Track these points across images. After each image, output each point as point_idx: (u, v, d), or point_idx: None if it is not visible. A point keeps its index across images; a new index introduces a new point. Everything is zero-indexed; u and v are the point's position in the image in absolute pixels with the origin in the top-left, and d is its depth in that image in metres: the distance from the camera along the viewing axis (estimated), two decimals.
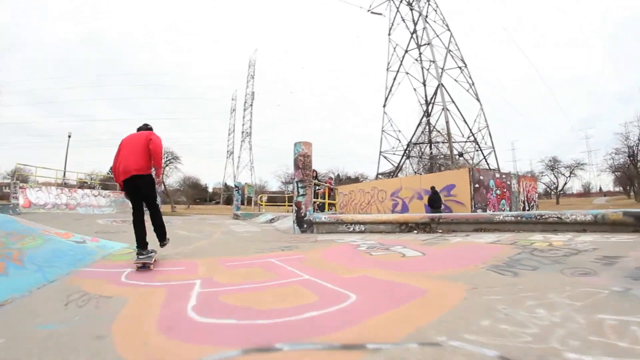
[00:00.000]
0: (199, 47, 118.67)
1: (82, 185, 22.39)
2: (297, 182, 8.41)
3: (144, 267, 3.83)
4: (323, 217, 8.45)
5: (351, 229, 8.00)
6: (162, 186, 37.16)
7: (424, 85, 32.49)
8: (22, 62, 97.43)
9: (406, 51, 30.03)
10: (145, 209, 4.18)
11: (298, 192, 8.30)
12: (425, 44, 28.68)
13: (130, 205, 4.30)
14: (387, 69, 31.76)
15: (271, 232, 9.20)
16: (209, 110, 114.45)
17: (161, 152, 4.16)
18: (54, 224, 10.78)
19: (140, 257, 3.88)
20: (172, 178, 44.32)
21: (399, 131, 31.03)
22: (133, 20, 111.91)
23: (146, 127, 4.50)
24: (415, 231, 6.98)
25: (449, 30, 31.13)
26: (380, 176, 29.41)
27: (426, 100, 32.47)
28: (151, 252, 3.99)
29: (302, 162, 8.42)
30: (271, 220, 14.55)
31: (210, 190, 69.41)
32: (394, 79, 31.06)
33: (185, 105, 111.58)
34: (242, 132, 68.36)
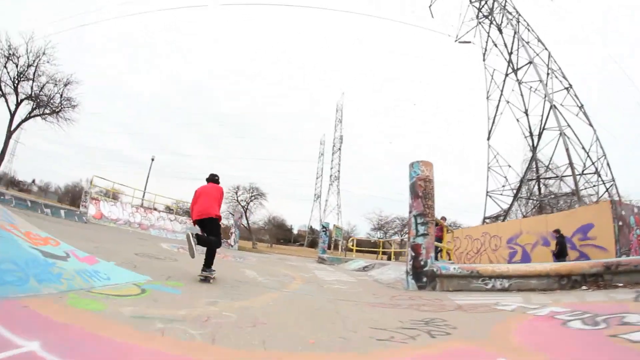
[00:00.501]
0: (284, 91, 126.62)
1: (169, 211, 22.89)
2: (415, 217, 6.45)
3: (205, 280, 5.04)
4: (452, 267, 6.16)
5: (489, 286, 5.97)
6: (245, 221, 39.26)
7: (526, 114, 28.49)
8: (121, 99, 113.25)
9: (506, 75, 26.79)
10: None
11: (417, 231, 6.29)
12: (527, 64, 25.25)
13: None
14: (487, 98, 28.65)
15: (372, 286, 7.31)
16: (296, 153, 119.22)
17: (219, 206, 5.64)
18: (107, 237, 10.73)
19: (203, 272, 5.09)
20: (255, 215, 44.53)
21: (509, 166, 26.89)
22: (223, 66, 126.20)
23: (213, 178, 5.84)
24: (584, 286, 5.40)
25: (546, 49, 27.45)
26: (487, 220, 25.27)
27: (530, 132, 28.24)
28: (213, 270, 5.17)
29: (423, 188, 6.47)
30: (365, 268, 12.76)
31: (295, 232, 70.06)
32: (497, 107, 27.69)
33: (273, 147, 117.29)
34: (330, 176, 69.22)
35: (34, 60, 23.20)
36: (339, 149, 68.66)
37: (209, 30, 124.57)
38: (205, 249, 5.25)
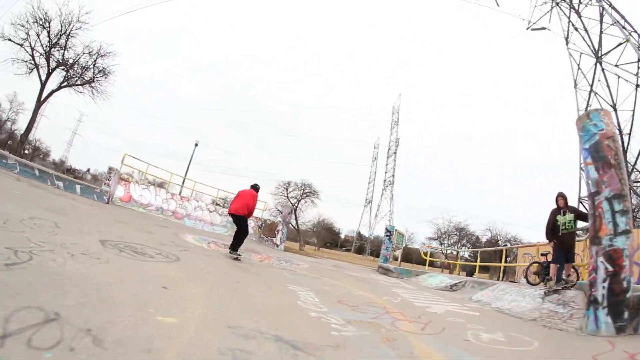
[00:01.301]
0: (339, 93, 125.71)
1: (216, 204, 21.30)
2: (608, 201, 4.26)
3: (236, 259, 7.34)
4: None
5: None
6: (294, 219, 37.37)
7: (614, 109, 24.76)
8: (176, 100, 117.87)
9: (599, 56, 23.27)
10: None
11: (615, 227, 4.14)
12: (621, 43, 21.74)
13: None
14: (575, 87, 25.19)
15: (521, 327, 5.05)
16: (347, 157, 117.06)
17: (253, 207, 7.80)
18: (132, 223, 9.37)
19: (232, 252, 7.50)
20: (306, 214, 41.56)
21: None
22: (277, 73, 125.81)
23: (255, 187, 8.21)
24: None
25: (635, 31, 23.69)
26: (579, 231, 21.85)
27: (620, 130, 24.46)
28: (239, 254, 7.52)
29: (614, 152, 4.38)
30: (452, 287, 10.65)
31: (342, 236, 67.99)
32: (589, 94, 24.22)
33: (323, 151, 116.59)
34: (384, 181, 66.70)
35: (67, 28, 22.10)
36: (395, 152, 65.81)
37: (270, 35, 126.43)
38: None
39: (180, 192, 20.76)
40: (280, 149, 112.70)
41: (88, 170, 63.94)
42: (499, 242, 39.95)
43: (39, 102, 23.02)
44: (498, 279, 16.31)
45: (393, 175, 64.75)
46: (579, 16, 25.75)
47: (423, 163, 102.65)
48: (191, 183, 21.11)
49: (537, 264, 8.89)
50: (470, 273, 17.10)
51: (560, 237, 6.84)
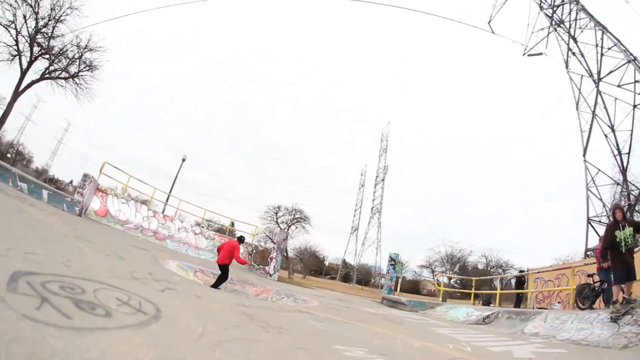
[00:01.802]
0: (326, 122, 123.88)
1: (200, 227, 18.85)
2: None
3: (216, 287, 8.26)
4: None
5: None
6: (284, 250, 33.21)
7: (612, 130, 24.54)
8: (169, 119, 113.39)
9: (599, 79, 23.12)
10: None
11: None
12: (623, 65, 21.60)
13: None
14: (577, 109, 24.88)
15: (596, 357, 4.87)
16: (334, 183, 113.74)
17: (237, 255, 8.81)
18: (100, 243, 7.37)
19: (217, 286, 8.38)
20: (296, 240, 39.11)
21: (620, 185, 22.65)
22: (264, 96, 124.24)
23: (240, 238, 9.78)
24: None
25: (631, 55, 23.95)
26: (589, 253, 20.78)
27: (618, 150, 24.13)
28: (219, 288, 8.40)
29: None
30: (485, 320, 9.38)
31: (326, 264, 65.28)
32: (593, 115, 23.84)
33: (308, 176, 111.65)
34: (372, 208, 64.82)
35: (57, 13, 19.75)
36: (382, 179, 64.48)
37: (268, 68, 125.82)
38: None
39: (164, 211, 18.44)
40: (266, 172, 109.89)
41: (71, 182, 59.53)
42: (491, 269, 38.72)
43: (17, 93, 20.46)
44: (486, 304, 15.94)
45: (381, 203, 63.43)
46: (575, 42, 25.98)
47: (412, 189, 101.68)
48: (176, 201, 19.11)
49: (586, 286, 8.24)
50: (487, 302, 15.37)
51: (621, 254, 6.11)
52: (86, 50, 21.17)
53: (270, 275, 17.65)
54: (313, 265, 53.64)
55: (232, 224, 25.93)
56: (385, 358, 3.72)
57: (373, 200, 65.14)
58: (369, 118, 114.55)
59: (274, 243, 20.48)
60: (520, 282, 14.23)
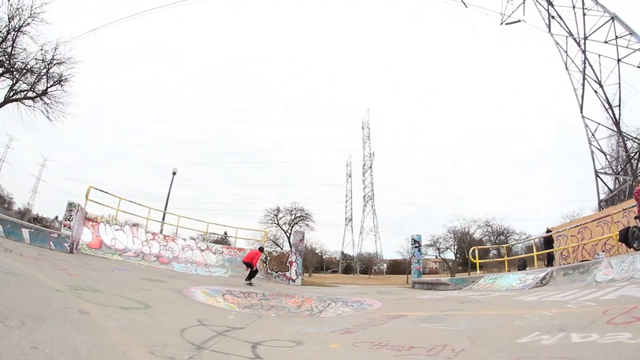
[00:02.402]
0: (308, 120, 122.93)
1: (205, 242, 17.27)
2: None
3: (250, 284, 11.58)
4: None
5: None
6: (302, 252, 31.87)
7: (601, 85, 24.98)
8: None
9: (585, 38, 23.36)
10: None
11: None
12: (607, 21, 21.85)
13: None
14: (567, 69, 25.20)
15: None
16: (319, 178, 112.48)
17: (256, 261, 12.63)
18: (98, 289, 5.46)
19: (246, 280, 12.10)
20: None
21: (625, 135, 22.90)
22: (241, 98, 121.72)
23: (261, 248, 14.05)
24: None
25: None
26: (602, 204, 21.03)
27: (609, 104, 24.62)
28: (251, 283, 12.03)
29: None
30: (542, 281, 9.02)
31: (324, 258, 64.79)
32: (583, 78, 24.14)
33: (293, 176, 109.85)
34: (364, 197, 64.68)
35: (16, 23, 17.22)
36: (370, 166, 64.52)
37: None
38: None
39: (162, 231, 17.05)
40: (249, 179, 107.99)
41: (56, 217, 56.25)
42: (497, 238, 38.86)
43: None
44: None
45: (372, 190, 63.41)
46: (552, 5, 26.19)
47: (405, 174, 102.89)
48: (173, 219, 17.63)
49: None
50: (523, 266, 15.06)
51: None
52: (53, 63, 18.96)
53: (293, 281, 16.54)
54: (315, 262, 53.11)
55: (226, 233, 25.25)
56: (565, 332, 3.24)
57: (364, 188, 65.64)
58: (348, 111, 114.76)
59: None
60: (549, 241, 14.02)
